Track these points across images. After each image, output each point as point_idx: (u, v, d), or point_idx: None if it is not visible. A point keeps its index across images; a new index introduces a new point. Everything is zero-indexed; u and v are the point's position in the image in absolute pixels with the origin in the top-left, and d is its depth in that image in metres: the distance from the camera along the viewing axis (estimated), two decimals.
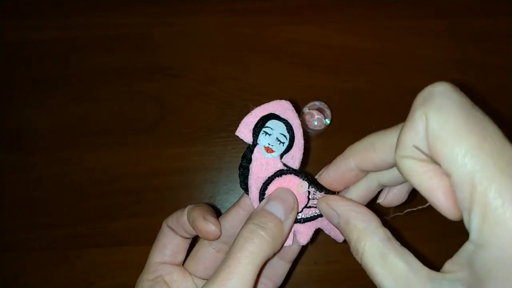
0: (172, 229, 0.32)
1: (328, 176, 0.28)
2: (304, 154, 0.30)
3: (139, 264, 0.48)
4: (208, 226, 0.29)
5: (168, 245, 0.32)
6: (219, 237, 0.30)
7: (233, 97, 0.51)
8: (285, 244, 0.29)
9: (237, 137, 0.29)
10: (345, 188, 0.29)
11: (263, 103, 0.29)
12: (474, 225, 0.17)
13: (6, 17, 0.54)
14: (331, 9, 0.54)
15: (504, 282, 0.16)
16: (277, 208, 0.27)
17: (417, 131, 0.19)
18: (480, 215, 0.16)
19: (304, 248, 0.32)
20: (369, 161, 0.25)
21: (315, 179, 0.29)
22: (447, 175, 0.18)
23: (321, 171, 0.29)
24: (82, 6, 0.54)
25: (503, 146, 0.17)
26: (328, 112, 0.46)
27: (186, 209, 0.31)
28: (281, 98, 0.30)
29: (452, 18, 0.54)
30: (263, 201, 0.28)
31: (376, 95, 0.51)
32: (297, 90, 0.51)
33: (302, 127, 0.30)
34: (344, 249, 0.47)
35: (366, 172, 0.26)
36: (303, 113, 0.46)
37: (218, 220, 0.30)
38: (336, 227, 0.26)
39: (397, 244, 0.22)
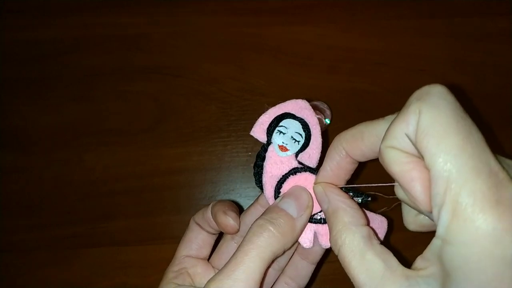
0: (199, 225, 0.33)
1: (326, 171, 0.28)
2: (322, 152, 0.30)
3: (139, 264, 0.48)
4: (227, 220, 0.30)
5: (194, 239, 0.33)
6: (237, 230, 0.31)
7: (233, 97, 0.51)
8: (305, 246, 0.29)
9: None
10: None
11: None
12: (443, 221, 0.18)
13: (6, 17, 0.54)
14: (331, 9, 0.54)
15: (469, 277, 0.17)
16: (289, 205, 0.27)
17: (408, 124, 0.20)
18: (450, 211, 0.17)
19: (329, 250, 0.31)
20: (357, 150, 0.25)
21: None
22: (428, 169, 0.19)
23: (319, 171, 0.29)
24: (82, 6, 0.54)
25: (483, 150, 0.18)
26: (328, 112, 0.46)
27: (211, 205, 0.32)
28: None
29: (452, 18, 0.54)
30: (278, 199, 0.29)
31: (376, 95, 0.51)
32: (297, 90, 0.51)
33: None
34: None
35: (356, 162, 0.27)
36: None
37: (239, 215, 0.31)
38: (324, 213, 0.26)
39: (377, 243, 0.22)
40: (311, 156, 0.30)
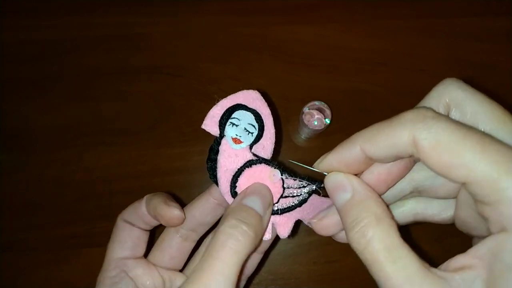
0: (129, 223, 0.31)
1: (330, 164, 0.24)
2: (276, 143, 0.29)
3: None
4: (172, 210, 0.29)
5: (128, 238, 0.31)
6: (183, 221, 0.29)
7: None
8: (265, 238, 0.28)
9: None
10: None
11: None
12: (505, 215, 0.17)
13: (6, 17, 0.54)
14: (331, 9, 0.54)
15: None
16: (256, 203, 0.27)
17: (400, 140, 0.20)
18: (507, 202, 0.17)
19: (276, 239, 0.30)
20: (378, 147, 0.22)
21: (288, 167, 0.29)
22: (461, 182, 0.19)
23: (321, 158, 0.25)
24: (82, 6, 0.54)
25: (504, 146, 0.18)
26: (328, 112, 0.46)
27: (144, 199, 0.30)
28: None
29: (452, 18, 0.54)
30: (240, 196, 0.28)
31: (376, 95, 0.51)
32: (297, 90, 0.51)
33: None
34: (343, 249, 0.46)
35: (372, 162, 0.23)
36: (303, 113, 0.46)
37: (180, 206, 0.30)
38: (338, 203, 0.23)
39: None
40: (265, 148, 0.29)
